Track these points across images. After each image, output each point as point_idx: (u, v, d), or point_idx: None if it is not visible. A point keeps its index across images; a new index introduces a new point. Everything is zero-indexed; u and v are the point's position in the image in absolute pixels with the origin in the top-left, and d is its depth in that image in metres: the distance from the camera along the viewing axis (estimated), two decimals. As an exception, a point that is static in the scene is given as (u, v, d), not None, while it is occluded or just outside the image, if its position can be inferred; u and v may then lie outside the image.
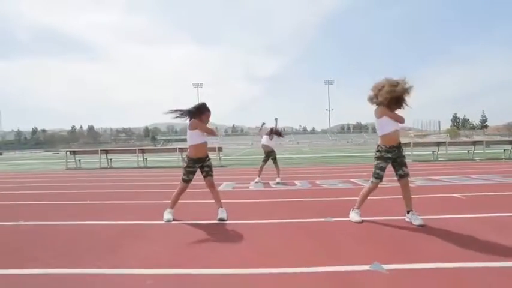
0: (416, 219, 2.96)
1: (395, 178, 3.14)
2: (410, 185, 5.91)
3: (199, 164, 3.40)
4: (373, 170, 3.09)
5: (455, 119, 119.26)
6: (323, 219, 3.20)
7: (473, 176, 6.81)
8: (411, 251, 2.24)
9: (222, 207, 3.38)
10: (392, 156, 3.03)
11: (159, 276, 1.90)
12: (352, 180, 6.61)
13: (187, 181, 3.38)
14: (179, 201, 3.46)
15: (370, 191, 3.14)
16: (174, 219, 3.28)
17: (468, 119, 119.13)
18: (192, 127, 3.33)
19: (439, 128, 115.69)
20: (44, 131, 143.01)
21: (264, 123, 7.21)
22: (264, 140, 6.78)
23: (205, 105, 3.44)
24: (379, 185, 3.10)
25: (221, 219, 3.24)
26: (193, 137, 3.34)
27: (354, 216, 3.13)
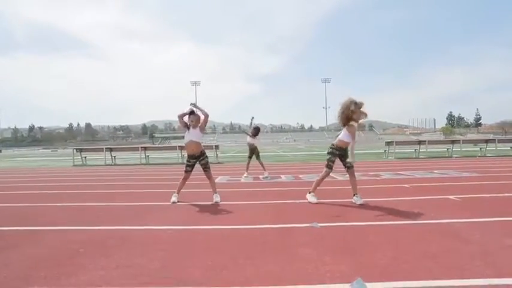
0: (359, 200, 4.03)
1: (345, 174, 4.21)
2: (377, 178, 7.02)
3: (193, 159, 4.36)
4: (327, 162, 4.17)
5: (450, 117, 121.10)
6: (291, 201, 4.28)
7: (435, 171, 7.92)
8: (342, 216, 3.32)
9: (216, 193, 4.44)
10: (340, 153, 4.12)
11: (175, 229, 2.97)
12: (330, 174, 7.69)
13: (186, 171, 4.40)
14: (185, 190, 4.52)
15: (323, 178, 4.22)
16: (181, 202, 4.34)
17: (463, 118, 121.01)
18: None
19: (434, 126, 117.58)
20: (41, 128, 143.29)
21: (253, 118, 8.26)
22: (249, 138, 7.89)
23: (190, 111, 4.30)
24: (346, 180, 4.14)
25: (216, 202, 4.30)
26: (184, 138, 4.34)
27: (310, 198, 4.18)
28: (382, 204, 3.93)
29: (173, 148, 14.92)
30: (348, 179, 4.20)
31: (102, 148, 15.24)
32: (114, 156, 14.99)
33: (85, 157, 14.89)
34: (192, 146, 4.34)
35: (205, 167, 4.42)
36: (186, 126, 4.30)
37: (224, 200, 4.37)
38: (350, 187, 4.14)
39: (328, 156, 4.18)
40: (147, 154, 15.12)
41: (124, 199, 4.84)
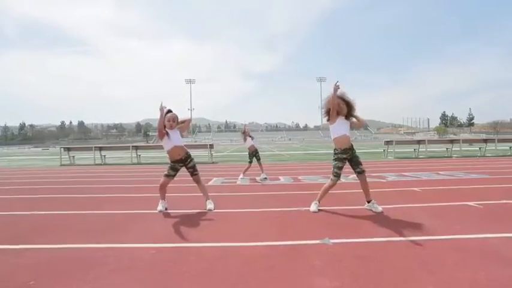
0: (377, 208, 3.56)
1: (347, 176, 3.75)
2: (382, 180, 6.57)
3: (179, 164, 3.83)
4: (332, 169, 3.68)
5: (443, 116, 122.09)
6: (295, 209, 3.79)
7: (441, 172, 7.52)
8: (355, 229, 2.85)
9: (209, 199, 3.93)
10: (347, 156, 3.63)
11: (158, 248, 2.46)
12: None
13: (167, 176, 3.81)
14: (176, 195, 4.00)
15: (329, 188, 3.71)
16: (169, 209, 3.82)
17: (456, 117, 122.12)
18: (160, 138, 3.80)
19: (428, 125, 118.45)
20: (32, 126, 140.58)
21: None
22: (249, 141, 7.26)
23: (166, 111, 3.76)
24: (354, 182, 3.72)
25: (209, 210, 3.79)
26: (164, 145, 3.82)
27: (313, 207, 3.68)
28: (397, 213, 3.48)
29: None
30: (359, 182, 3.74)
31: (92, 147, 14.59)
32: (104, 156, 14.38)
33: (73, 156, 14.24)
34: (177, 151, 3.82)
35: (194, 171, 3.90)
36: (166, 134, 3.76)
37: (218, 208, 3.87)
38: (358, 190, 3.69)
39: (334, 163, 3.69)
40: (138, 153, 14.52)
41: (105, 206, 4.30)
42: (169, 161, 3.90)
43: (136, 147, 14.98)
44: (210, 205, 3.85)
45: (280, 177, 7.16)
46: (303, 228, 2.99)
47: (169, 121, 3.77)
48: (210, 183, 6.44)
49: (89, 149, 14.94)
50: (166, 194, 3.93)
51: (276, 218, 3.43)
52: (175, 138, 3.82)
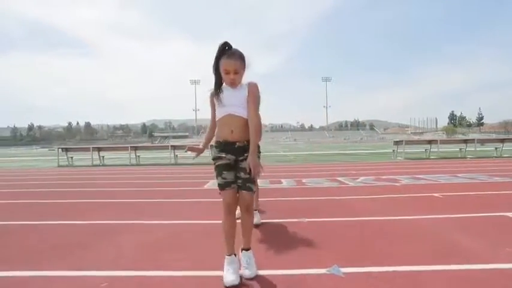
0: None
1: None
2: (395, 184, 5.91)
3: (229, 153, 1.88)
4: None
5: (452, 116, 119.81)
6: (296, 220, 3.21)
7: (459, 175, 6.85)
8: (371, 253, 2.24)
9: (249, 249, 1.96)
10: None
11: (115, 277, 1.89)
12: (338, 178, 6.62)
13: (224, 186, 1.86)
14: (163, 200, 3.45)
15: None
16: (151, 219, 3.27)
17: (465, 117, 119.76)
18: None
19: (436, 125, 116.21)
20: (40, 127, 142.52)
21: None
22: None
23: (219, 49, 1.84)
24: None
25: (247, 276, 1.84)
26: (216, 114, 1.98)
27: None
28: (420, 227, 2.87)
29: (165, 147, 13.85)
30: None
31: (89, 148, 14.20)
32: (103, 157, 13.98)
33: (71, 157, 13.87)
34: (229, 124, 1.88)
35: (246, 182, 1.86)
36: (217, 95, 1.91)
37: (206, 218, 3.30)
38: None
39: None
40: (138, 154, 14.07)
41: (85, 214, 3.74)
42: (212, 151, 2.13)
43: (136, 148, 14.55)
44: (250, 268, 1.89)
45: (282, 180, 6.57)
46: (306, 248, 2.39)
47: (227, 73, 1.82)
48: (205, 186, 5.90)
49: (87, 149, 14.58)
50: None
51: (272, 233, 2.85)
52: (233, 102, 1.88)
